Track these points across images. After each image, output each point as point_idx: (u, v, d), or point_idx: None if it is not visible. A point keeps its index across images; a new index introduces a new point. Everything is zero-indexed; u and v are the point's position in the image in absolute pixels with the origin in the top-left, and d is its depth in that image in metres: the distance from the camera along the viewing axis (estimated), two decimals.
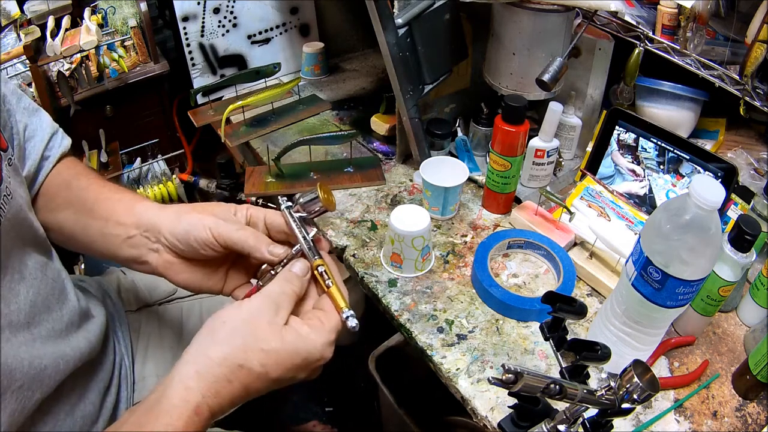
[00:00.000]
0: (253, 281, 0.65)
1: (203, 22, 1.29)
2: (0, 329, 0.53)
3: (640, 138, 0.94)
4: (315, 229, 0.61)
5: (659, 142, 0.92)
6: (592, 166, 1.03)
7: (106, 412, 0.70)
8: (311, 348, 0.52)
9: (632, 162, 0.97)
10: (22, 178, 0.62)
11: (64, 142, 0.72)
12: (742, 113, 0.85)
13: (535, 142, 1.01)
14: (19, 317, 0.56)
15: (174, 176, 1.79)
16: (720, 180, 0.85)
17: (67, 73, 1.46)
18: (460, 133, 1.17)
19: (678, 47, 0.88)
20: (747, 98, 0.82)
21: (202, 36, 1.30)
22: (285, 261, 0.60)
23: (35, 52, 1.34)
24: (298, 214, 0.62)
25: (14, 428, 0.53)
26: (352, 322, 0.53)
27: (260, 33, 1.39)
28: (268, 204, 0.75)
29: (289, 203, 0.63)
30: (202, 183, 1.88)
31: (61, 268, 0.68)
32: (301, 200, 0.63)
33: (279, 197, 0.64)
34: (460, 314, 0.83)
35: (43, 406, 0.58)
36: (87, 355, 0.66)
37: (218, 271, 0.66)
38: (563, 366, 0.59)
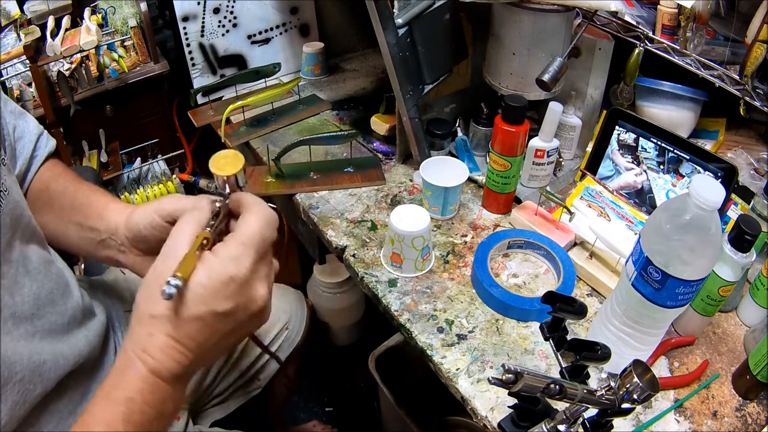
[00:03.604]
0: None
1: (203, 22, 1.29)
2: (2, 321, 0.54)
3: (640, 138, 0.94)
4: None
5: (659, 142, 0.92)
6: (592, 166, 1.03)
7: None
8: (218, 269, 0.46)
9: (632, 162, 0.97)
10: (14, 178, 0.64)
11: (49, 143, 0.74)
12: (742, 113, 0.85)
13: (535, 142, 1.01)
14: (23, 308, 0.57)
15: (174, 176, 1.80)
16: (720, 180, 0.85)
17: (67, 73, 1.46)
18: (460, 133, 1.17)
19: (678, 47, 0.88)
20: (747, 98, 0.82)
21: (202, 36, 1.30)
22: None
23: (35, 52, 1.34)
24: (225, 202, 0.54)
25: (16, 421, 0.54)
26: (169, 291, 0.44)
27: (260, 33, 1.39)
28: (268, 204, 0.74)
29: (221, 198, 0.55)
30: (202, 183, 1.88)
31: (63, 266, 0.70)
32: (219, 190, 0.56)
33: (216, 201, 0.56)
34: (460, 314, 0.83)
35: (47, 403, 0.59)
36: (87, 354, 0.67)
37: None
38: (563, 366, 0.59)
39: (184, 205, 0.58)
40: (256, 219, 0.50)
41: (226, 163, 0.57)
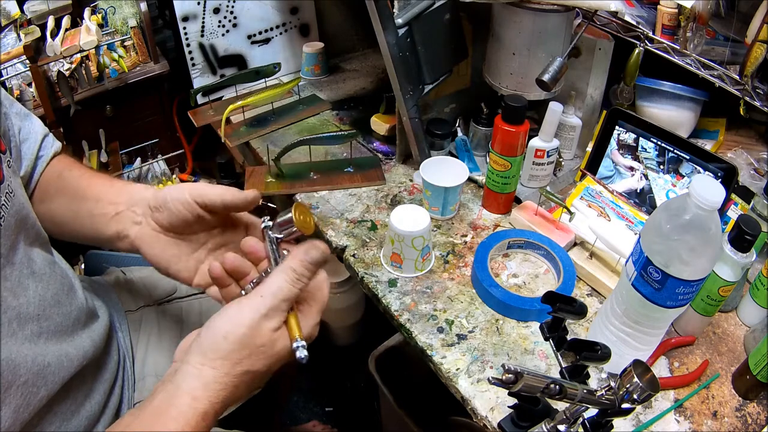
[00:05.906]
0: (242, 291, 0.63)
1: (203, 22, 1.29)
2: (7, 323, 0.54)
3: (640, 138, 0.94)
4: (286, 252, 0.59)
5: (659, 142, 0.92)
6: (592, 166, 1.03)
7: (109, 413, 0.71)
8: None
9: (632, 161, 0.97)
10: (20, 180, 0.64)
11: (55, 144, 0.75)
12: (742, 113, 0.85)
13: (535, 142, 1.01)
14: (28, 310, 0.57)
15: (174, 176, 1.80)
16: (720, 180, 0.85)
17: (67, 73, 1.46)
18: (460, 133, 1.17)
19: (678, 47, 0.88)
20: (747, 98, 0.82)
21: (202, 36, 1.30)
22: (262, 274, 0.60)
23: (35, 52, 1.34)
24: (274, 235, 0.60)
25: (20, 424, 0.54)
26: (301, 353, 0.53)
27: (260, 33, 1.39)
28: (268, 204, 0.74)
29: (269, 223, 0.61)
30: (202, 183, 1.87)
31: (67, 267, 0.70)
32: (277, 220, 0.60)
33: (265, 218, 0.62)
34: (460, 314, 0.83)
35: (50, 405, 0.59)
36: (91, 355, 0.67)
37: (192, 255, 0.68)
38: (563, 366, 0.59)
39: (218, 195, 0.63)
40: (317, 310, 0.61)
41: (305, 217, 0.61)
